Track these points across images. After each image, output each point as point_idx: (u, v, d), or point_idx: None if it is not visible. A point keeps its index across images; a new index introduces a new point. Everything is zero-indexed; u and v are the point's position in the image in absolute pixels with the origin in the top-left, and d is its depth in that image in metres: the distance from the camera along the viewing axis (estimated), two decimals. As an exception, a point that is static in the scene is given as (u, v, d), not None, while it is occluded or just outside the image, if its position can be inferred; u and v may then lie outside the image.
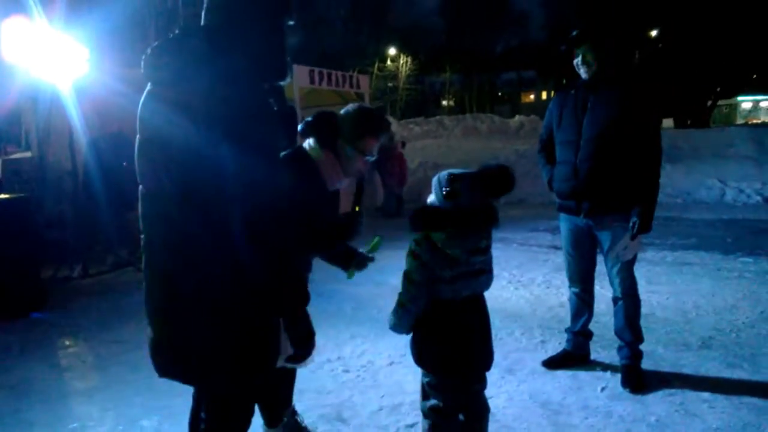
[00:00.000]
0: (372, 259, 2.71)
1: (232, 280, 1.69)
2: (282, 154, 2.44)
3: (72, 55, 5.50)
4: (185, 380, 1.88)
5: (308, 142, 2.50)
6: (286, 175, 1.74)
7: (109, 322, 4.89)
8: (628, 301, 3.41)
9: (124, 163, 6.69)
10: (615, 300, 3.47)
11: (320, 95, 11.04)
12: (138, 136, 1.78)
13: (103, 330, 4.72)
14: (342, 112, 2.55)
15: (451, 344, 2.32)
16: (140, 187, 1.80)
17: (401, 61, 42.91)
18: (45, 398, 3.55)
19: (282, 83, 1.83)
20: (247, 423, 1.94)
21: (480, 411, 2.45)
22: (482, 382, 2.45)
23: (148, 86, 1.78)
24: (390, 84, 42.91)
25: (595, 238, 3.44)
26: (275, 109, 1.75)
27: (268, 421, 2.80)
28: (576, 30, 3.32)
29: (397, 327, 2.40)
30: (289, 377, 2.81)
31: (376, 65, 41.51)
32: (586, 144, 3.28)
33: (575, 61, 3.31)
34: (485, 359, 2.40)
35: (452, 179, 2.28)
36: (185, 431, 2.70)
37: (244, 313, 1.74)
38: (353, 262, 2.67)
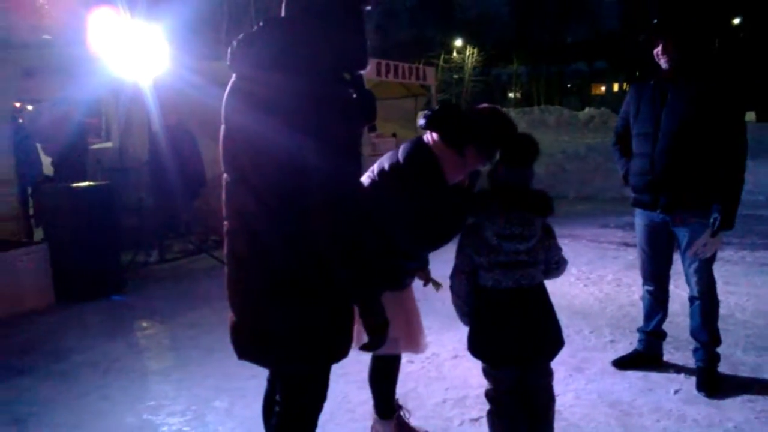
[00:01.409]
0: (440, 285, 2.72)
1: (310, 268, 1.74)
2: (403, 146, 2.46)
3: (154, 50, 5.71)
4: (262, 363, 1.95)
5: (430, 135, 2.42)
6: (357, 167, 1.75)
7: (183, 306, 5.09)
8: (706, 301, 3.27)
9: (187, 154, 6.91)
10: (691, 300, 3.33)
11: (387, 87, 11.05)
12: (222, 126, 1.84)
13: (178, 313, 4.93)
14: (475, 113, 2.42)
15: (494, 334, 2.31)
16: (224, 175, 1.86)
17: (467, 53, 42.46)
18: (124, 376, 3.74)
19: (362, 72, 1.83)
20: (320, 407, 1.98)
21: (536, 402, 2.38)
22: (538, 373, 2.37)
23: (233, 78, 1.83)
24: (456, 76, 42.54)
25: (672, 235, 3.31)
26: (354, 98, 1.76)
27: (382, 413, 2.81)
28: (657, 19, 3.20)
29: (459, 316, 2.44)
30: (398, 366, 2.81)
31: (442, 57, 41.23)
32: (664, 136, 3.16)
33: (655, 51, 3.19)
34: (534, 351, 2.32)
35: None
36: (255, 413, 2.80)
37: (320, 299, 1.78)
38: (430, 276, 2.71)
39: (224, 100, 1.83)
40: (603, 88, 49.57)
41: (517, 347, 2.29)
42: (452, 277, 2.39)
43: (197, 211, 7.20)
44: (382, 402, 2.80)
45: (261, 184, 1.72)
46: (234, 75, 1.83)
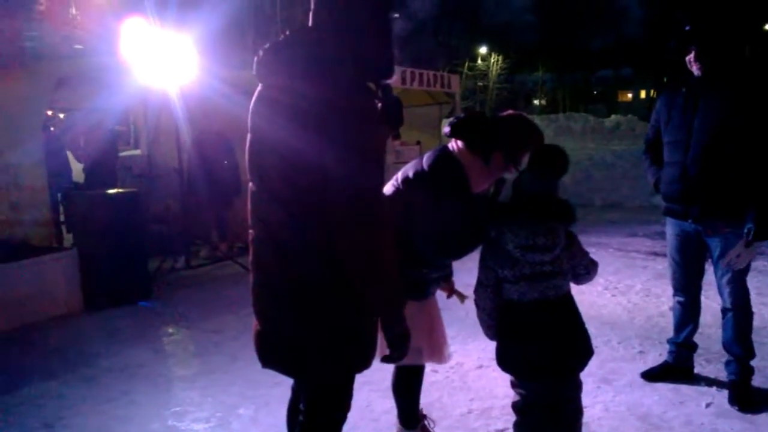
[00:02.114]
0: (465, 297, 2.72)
1: (331, 279, 1.73)
2: (428, 154, 2.46)
3: (183, 59, 5.79)
4: (286, 372, 1.94)
5: (455, 143, 2.41)
6: (380, 175, 1.74)
7: (209, 313, 5.12)
8: (739, 312, 3.19)
9: (225, 162, 7.01)
10: (724, 311, 3.25)
11: (411, 95, 11.05)
12: (249, 135, 1.85)
13: (204, 320, 4.96)
14: (500, 118, 2.43)
15: (522, 347, 2.28)
16: (250, 184, 1.87)
17: (492, 60, 42.34)
18: (150, 382, 3.77)
19: (389, 81, 1.83)
20: (344, 416, 1.97)
21: (564, 415, 2.32)
22: (568, 386, 2.32)
23: (259, 87, 1.84)
24: (480, 83, 42.45)
25: (704, 245, 3.24)
26: (379, 107, 1.76)
27: (406, 423, 2.79)
28: (689, 25, 3.14)
29: (483, 330, 2.42)
30: (422, 376, 2.79)
31: (467, 65, 41.18)
32: (696, 144, 3.10)
33: (687, 58, 3.14)
34: (563, 363, 2.28)
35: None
36: (280, 421, 2.78)
37: (342, 310, 1.77)
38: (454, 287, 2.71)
39: (251, 108, 1.85)
40: (630, 95, 48.99)
41: (546, 360, 2.25)
42: (476, 291, 2.37)
43: (226, 218, 7.27)
44: (405, 412, 2.78)
45: (286, 192, 1.73)
46: (260, 84, 1.84)
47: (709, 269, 3.33)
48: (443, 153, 2.41)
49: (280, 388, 3.40)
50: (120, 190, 6.07)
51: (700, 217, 3.15)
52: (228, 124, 6.75)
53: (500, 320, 2.34)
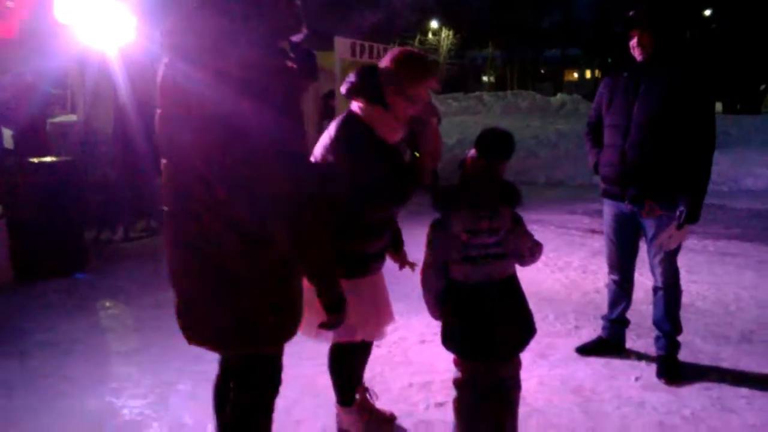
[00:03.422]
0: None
1: (246, 250, 1.74)
2: (334, 122, 2.47)
3: (120, 22, 5.56)
4: (208, 347, 1.96)
5: (355, 104, 2.43)
6: (299, 127, 1.75)
7: (148, 286, 5.00)
8: (670, 291, 3.34)
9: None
10: (655, 290, 3.40)
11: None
12: (158, 110, 1.82)
13: (143, 293, 4.84)
14: (385, 58, 2.44)
15: (466, 328, 2.31)
16: (163, 159, 1.84)
17: (443, 35, 42.30)
18: (87, 357, 3.68)
19: (298, 38, 1.86)
20: (276, 390, 1.98)
21: (504, 391, 2.36)
22: (508, 366, 2.36)
23: (165, 59, 1.80)
24: (431, 58, 42.39)
25: (639, 225, 3.36)
26: (292, 65, 1.77)
27: (341, 399, 2.80)
28: (633, 10, 3.21)
29: (429, 310, 2.44)
30: (363, 353, 2.79)
31: (417, 38, 41.01)
32: (635, 128, 3.19)
33: (630, 43, 3.20)
34: (506, 344, 2.32)
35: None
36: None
37: (258, 283, 1.79)
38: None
39: (158, 82, 1.81)
40: (576, 75, 50.00)
41: (490, 341, 2.28)
42: (423, 273, 2.37)
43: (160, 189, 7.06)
44: (341, 389, 2.79)
45: (202, 164, 1.71)
46: (166, 55, 1.80)
47: (642, 249, 3.45)
48: (345, 117, 2.44)
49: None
50: (54, 159, 5.81)
51: (636, 199, 3.25)
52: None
53: (446, 301, 2.36)
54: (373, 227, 2.48)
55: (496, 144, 2.27)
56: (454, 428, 2.45)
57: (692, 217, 3.09)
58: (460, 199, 2.24)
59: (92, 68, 7.23)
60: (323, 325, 1.89)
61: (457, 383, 2.41)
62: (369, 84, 2.39)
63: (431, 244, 2.32)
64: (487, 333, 2.28)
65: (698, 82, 3.14)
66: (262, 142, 1.63)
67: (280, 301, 1.84)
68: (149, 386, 3.29)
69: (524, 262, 2.36)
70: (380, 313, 2.66)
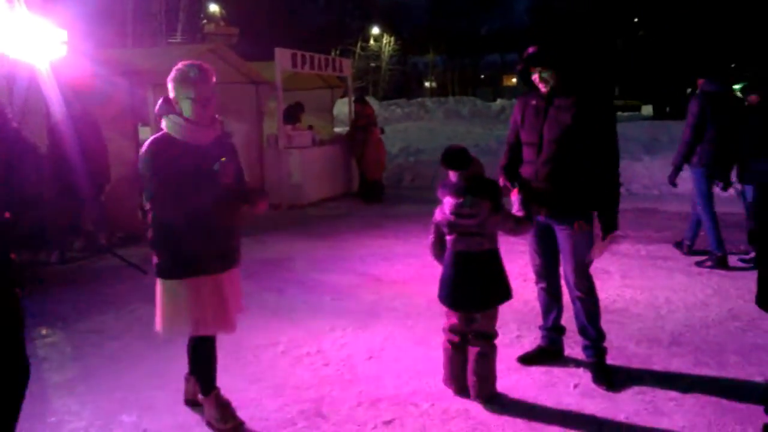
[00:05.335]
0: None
1: None
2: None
3: (49, 38, 5.38)
4: None
5: (165, 120, 2.88)
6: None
7: (87, 311, 4.84)
8: (587, 299, 3.53)
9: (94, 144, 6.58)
10: (573, 300, 3.57)
11: (302, 79, 10.92)
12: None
13: (81, 319, 4.69)
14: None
15: (450, 285, 3.24)
16: None
17: (384, 41, 42.61)
18: (22, 390, 3.53)
19: None
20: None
21: (475, 341, 3.28)
22: (483, 318, 3.26)
23: None
24: (372, 64, 42.61)
25: (555, 237, 3.54)
26: None
27: (201, 389, 3.10)
28: (534, 50, 3.39)
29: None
30: (211, 348, 3.10)
31: (359, 45, 41.17)
32: (546, 147, 3.41)
33: (533, 78, 3.40)
34: (478, 302, 3.24)
35: None
36: (165, 426, 2.72)
37: None
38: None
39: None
40: (514, 80, 51.17)
41: (466, 297, 3.22)
42: (430, 243, 3.38)
43: (102, 206, 6.86)
44: (200, 379, 3.10)
45: None
46: None
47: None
48: (150, 140, 2.89)
49: (164, 391, 3.32)
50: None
51: (550, 213, 3.46)
52: (99, 106, 6.44)
53: (443, 264, 3.30)
54: (205, 229, 2.88)
55: (452, 160, 3.15)
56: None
57: (611, 227, 3.37)
58: (452, 187, 3.18)
59: (21, 84, 6.97)
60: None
61: (445, 329, 3.37)
62: (163, 100, 2.91)
63: (434, 220, 3.30)
64: (464, 290, 3.20)
65: (597, 106, 3.37)
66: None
67: None
68: (91, 418, 3.20)
69: (514, 234, 3.31)
70: (232, 307, 3.05)
